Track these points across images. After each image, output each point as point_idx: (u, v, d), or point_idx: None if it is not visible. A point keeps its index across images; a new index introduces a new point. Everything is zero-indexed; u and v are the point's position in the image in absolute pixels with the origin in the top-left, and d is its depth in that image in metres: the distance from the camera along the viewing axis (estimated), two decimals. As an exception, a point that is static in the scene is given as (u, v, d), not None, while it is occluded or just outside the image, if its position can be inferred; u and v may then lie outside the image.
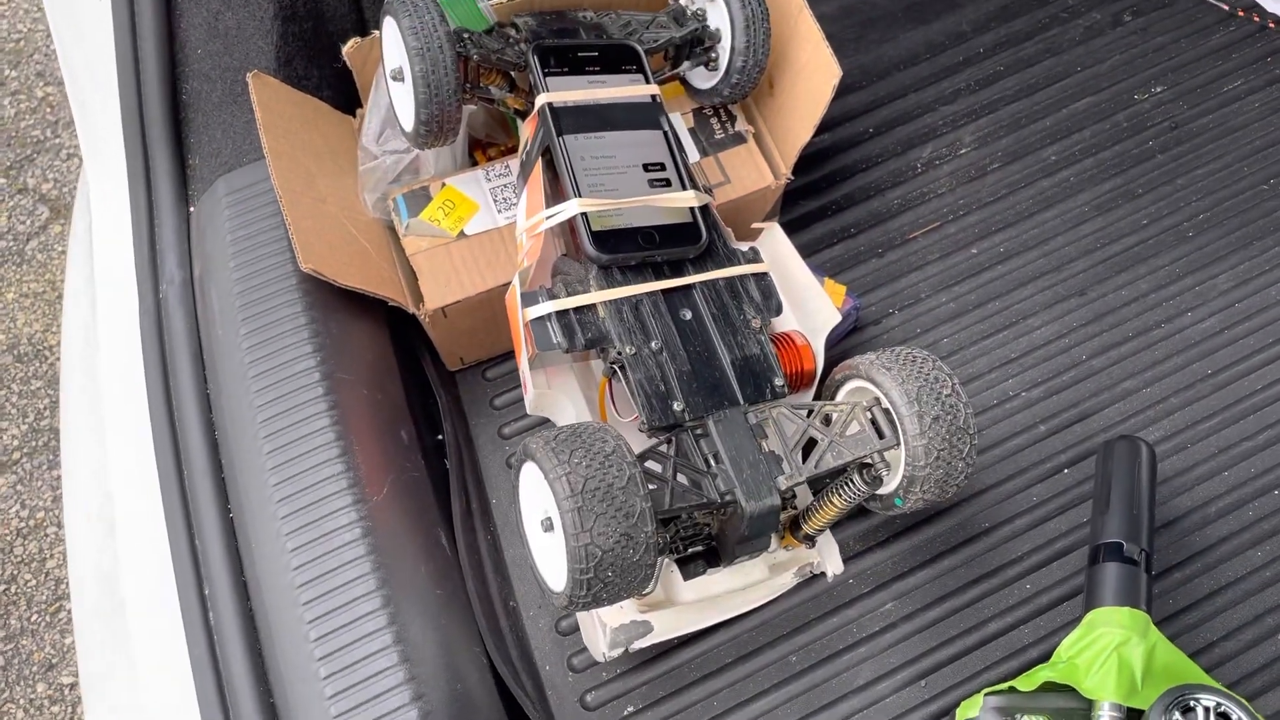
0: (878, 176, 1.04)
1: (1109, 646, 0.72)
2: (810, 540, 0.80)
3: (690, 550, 0.76)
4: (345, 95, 0.93)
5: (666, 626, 0.79)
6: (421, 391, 0.92)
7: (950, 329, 0.96)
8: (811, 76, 0.87)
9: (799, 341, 0.81)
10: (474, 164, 0.95)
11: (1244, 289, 0.96)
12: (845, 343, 0.95)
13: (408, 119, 0.80)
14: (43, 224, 1.83)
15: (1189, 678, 0.72)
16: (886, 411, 0.74)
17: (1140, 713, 0.69)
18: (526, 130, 0.82)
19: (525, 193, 0.82)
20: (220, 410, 0.78)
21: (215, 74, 0.87)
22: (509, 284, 0.85)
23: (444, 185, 0.89)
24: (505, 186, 0.90)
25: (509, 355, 0.95)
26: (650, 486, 0.67)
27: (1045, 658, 0.81)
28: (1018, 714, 0.72)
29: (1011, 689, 0.73)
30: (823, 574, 0.84)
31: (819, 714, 0.80)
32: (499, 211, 0.89)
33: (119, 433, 0.80)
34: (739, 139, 0.92)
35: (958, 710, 0.75)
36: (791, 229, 0.99)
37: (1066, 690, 0.72)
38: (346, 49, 0.86)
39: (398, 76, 0.79)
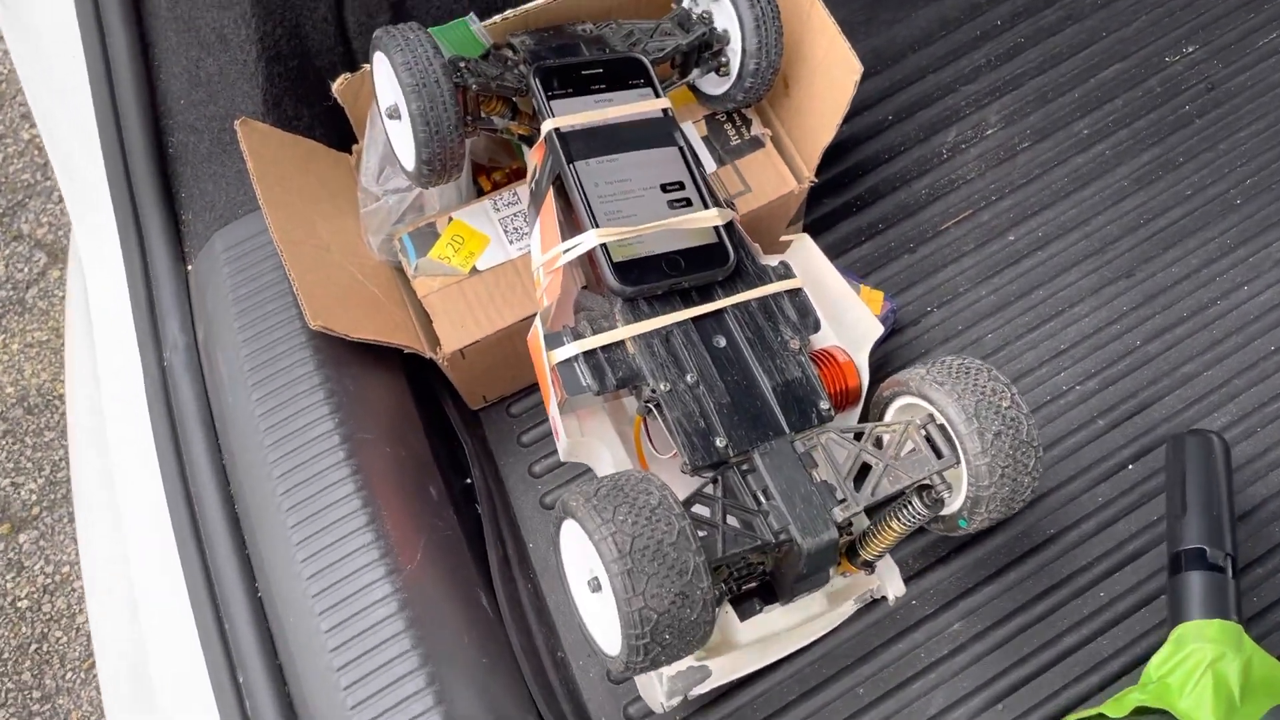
0: (902, 166, 0.99)
1: (1202, 663, 0.68)
2: (869, 566, 0.76)
3: (744, 588, 0.72)
4: (339, 132, 0.88)
5: (725, 669, 0.75)
6: (445, 436, 0.88)
7: (993, 323, 0.91)
8: (829, 73, 0.82)
9: (841, 358, 0.76)
10: (479, 191, 0.90)
11: (1301, 256, 0.91)
12: (884, 346, 0.91)
13: (408, 159, 0.75)
14: (41, 270, 1.79)
15: (1291, 691, 0.68)
16: (942, 428, 0.70)
17: (1243, 734, 0.65)
18: (534, 158, 0.77)
19: (538, 224, 0.77)
20: (238, 483, 0.73)
21: (201, 124, 0.82)
22: (528, 319, 0.81)
23: (451, 220, 0.84)
24: (515, 215, 0.85)
25: (533, 389, 0.91)
26: (700, 533, 0.62)
27: (1127, 670, 0.77)
28: (1109, 742, 0.68)
29: (1100, 715, 0.69)
30: (884, 598, 0.80)
31: (893, 748, 0.76)
32: (511, 242, 0.84)
33: (135, 513, 0.76)
34: (756, 144, 0.87)
35: (1044, 740, 0.71)
36: (817, 229, 0.95)
37: (1160, 714, 0.68)
38: (336, 86, 0.81)
39: (393, 114, 0.74)
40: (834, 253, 0.95)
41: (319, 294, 0.76)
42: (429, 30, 0.74)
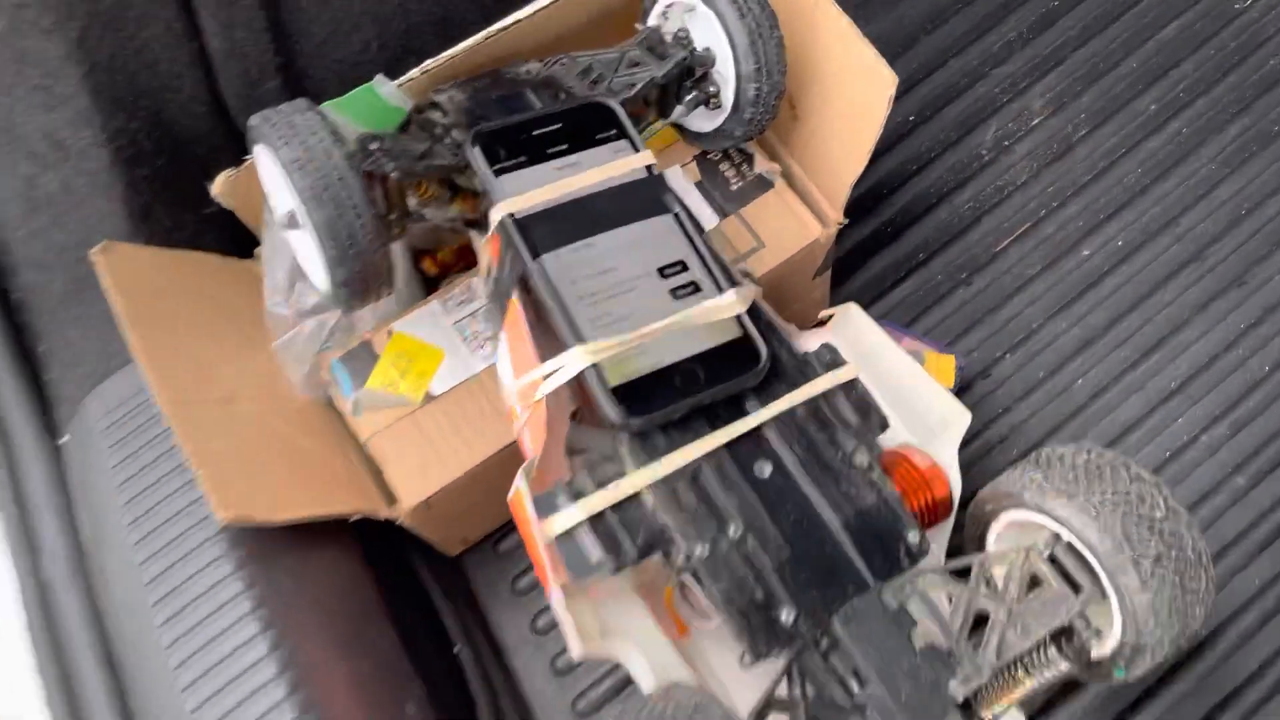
0: (936, 177, 0.81)
1: None
2: (989, 724, 0.58)
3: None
4: (234, 235, 0.69)
5: None
6: (418, 594, 0.70)
7: (1081, 365, 0.73)
8: (850, 87, 0.63)
9: (920, 462, 0.58)
10: (425, 282, 0.72)
11: None
12: (950, 410, 0.73)
13: (319, 278, 0.57)
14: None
15: None
16: (1069, 546, 0.52)
17: None
18: (487, 252, 0.59)
19: (504, 338, 0.58)
20: (151, 742, 0.55)
21: (50, 257, 0.63)
22: (506, 448, 0.63)
23: (392, 334, 0.66)
24: (475, 316, 0.66)
25: (524, 520, 0.72)
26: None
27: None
28: None
29: None
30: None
31: None
32: (473, 353, 0.66)
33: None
34: (764, 184, 0.69)
35: None
36: (843, 270, 0.77)
37: None
38: (216, 188, 0.62)
39: (291, 223, 0.55)
40: (869, 295, 0.77)
41: (227, 470, 0.57)
42: (323, 108, 0.55)
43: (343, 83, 0.68)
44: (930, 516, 0.58)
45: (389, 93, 0.60)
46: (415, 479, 0.63)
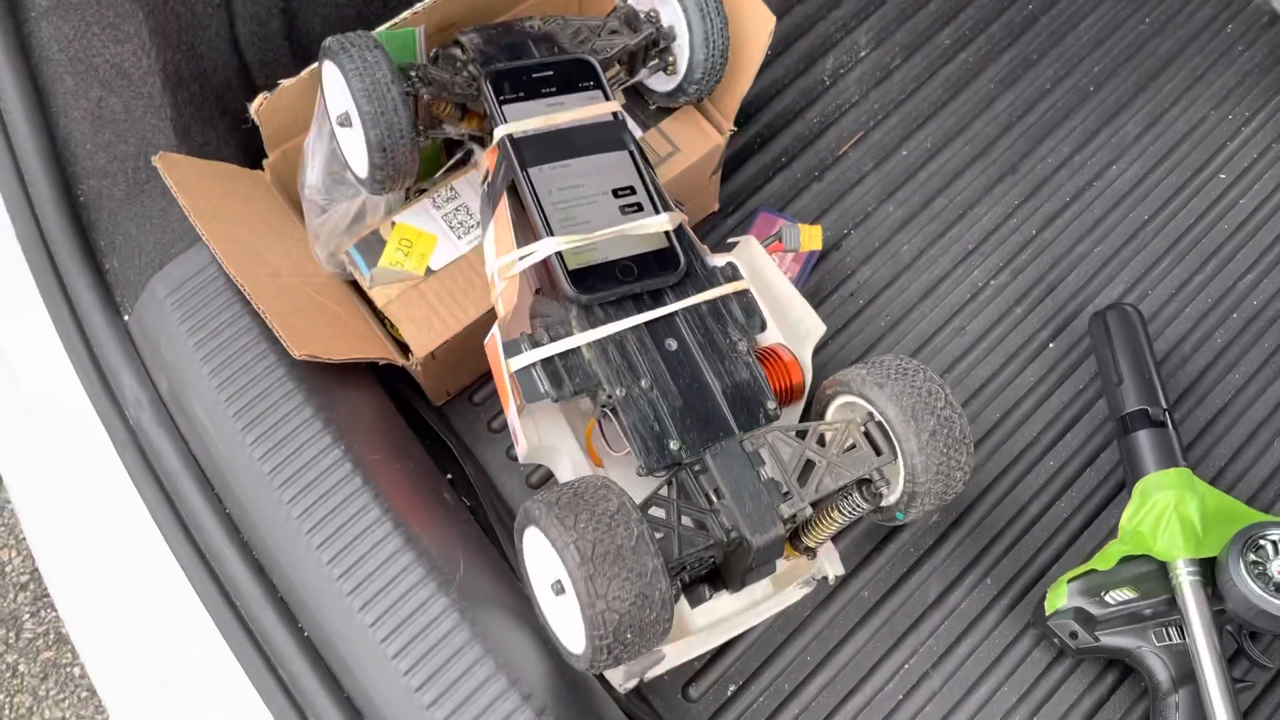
0: (791, 100, 1.03)
1: (1166, 509, 0.78)
2: (811, 552, 0.75)
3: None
4: (245, 149, 0.85)
5: (678, 652, 0.77)
6: (418, 433, 0.88)
7: (906, 236, 0.98)
8: (740, 22, 0.85)
9: (785, 356, 0.78)
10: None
11: (1152, 132, 1.02)
12: (814, 275, 0.96)
13: (360, 165, 0.74)
14: None
15: (1239, 516, 0.79)
16: (880, 425, 0.72)
17: (1212, 560, 0.76)
18: (487, 161, 0.77)
19: (493, 228, 0.77)
20: (254, 533, 0.72)
21: (113, 167, 0.77)
22: (491, 311, 0.82)
23: (395, 224, 0.83)
24: (458, 210, 0.85)
25: (490, 373, 0.92)
26: (657, 535, 0.63)
27: (1086, 525, 0.87)
28: (1103, 591, 0.77)
29: (1091, 570, 0.79)
30: (825, 578, 0.80)
31: (906, 638, 0.84)
32: (459, 238, 0.84)
33: (154, 584, 0.73)
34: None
35: (1045, 602, 0.80)
36: (727, 171, 0.99)
37: (1142, 559, 0.78)
38: (255, 107, 0.77)
39: (345, 122, 0.72)
40: (747, 191, 0.99)
41: (292, 323, 0.74)
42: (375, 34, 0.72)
43: (325, 23, 0.85)
44: (787, 396, 0.76)
45: (419, 36, 0.78)
46: (423, 335, 0.81)
